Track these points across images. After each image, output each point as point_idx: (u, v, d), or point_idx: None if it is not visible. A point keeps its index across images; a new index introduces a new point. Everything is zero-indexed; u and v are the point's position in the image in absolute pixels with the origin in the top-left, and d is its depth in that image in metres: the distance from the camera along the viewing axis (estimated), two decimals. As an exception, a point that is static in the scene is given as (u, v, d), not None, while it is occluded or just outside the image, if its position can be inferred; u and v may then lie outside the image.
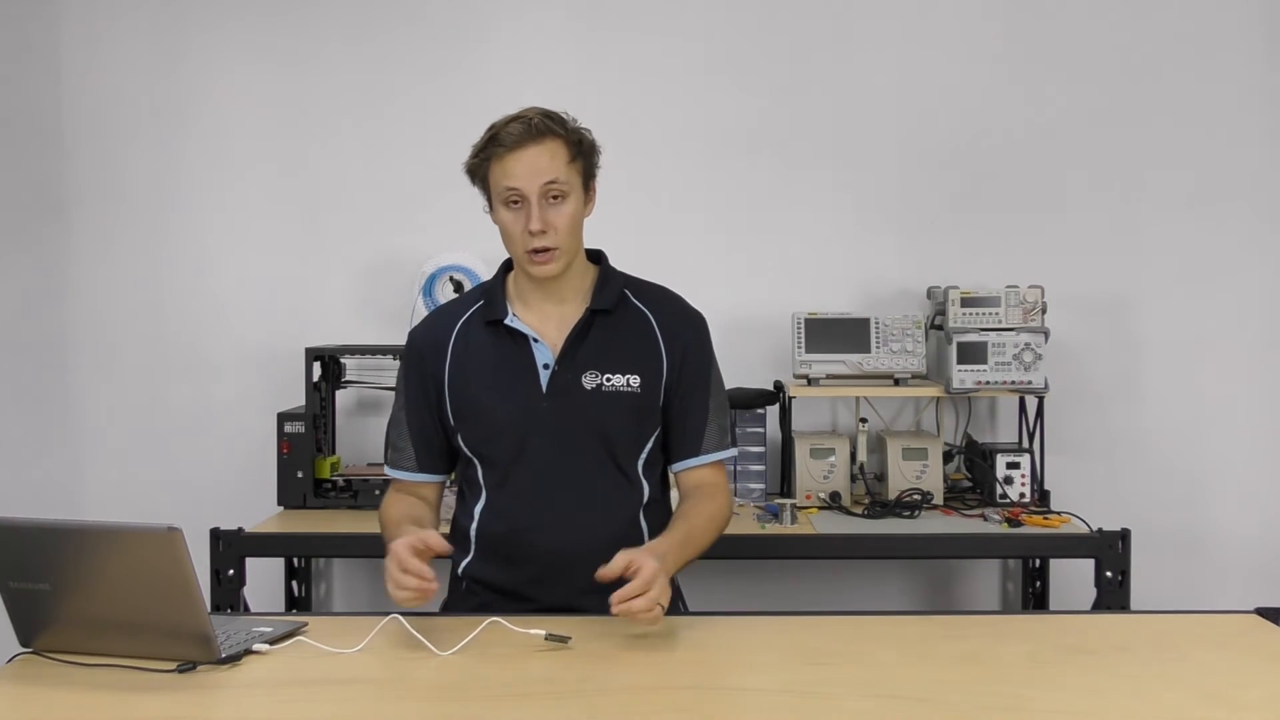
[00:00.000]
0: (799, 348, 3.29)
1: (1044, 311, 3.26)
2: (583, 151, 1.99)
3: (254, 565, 3.00)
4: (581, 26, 3.54)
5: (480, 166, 1.96)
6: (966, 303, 3.25)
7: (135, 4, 3.56)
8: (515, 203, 1.94)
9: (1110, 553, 2.86)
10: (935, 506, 3.19)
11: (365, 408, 3.53)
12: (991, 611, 3.43)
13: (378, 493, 2.03)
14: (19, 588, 1.67)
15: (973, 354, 3.21)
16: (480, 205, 2.03)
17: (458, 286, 3.27)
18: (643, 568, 1.74)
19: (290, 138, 3.57)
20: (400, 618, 1.80)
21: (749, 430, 3.34)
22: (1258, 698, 1.54)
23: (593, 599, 1.80)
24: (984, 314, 3.25)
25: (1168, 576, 3.38)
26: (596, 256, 2.11)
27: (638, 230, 3.46)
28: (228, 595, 2.89)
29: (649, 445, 2.06)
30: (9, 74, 3.58)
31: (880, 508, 3.14)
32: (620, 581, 1.76)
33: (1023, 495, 3.22)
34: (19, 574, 1.67)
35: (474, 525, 2.06)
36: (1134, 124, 3.51)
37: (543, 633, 1.75)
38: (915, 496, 3.15)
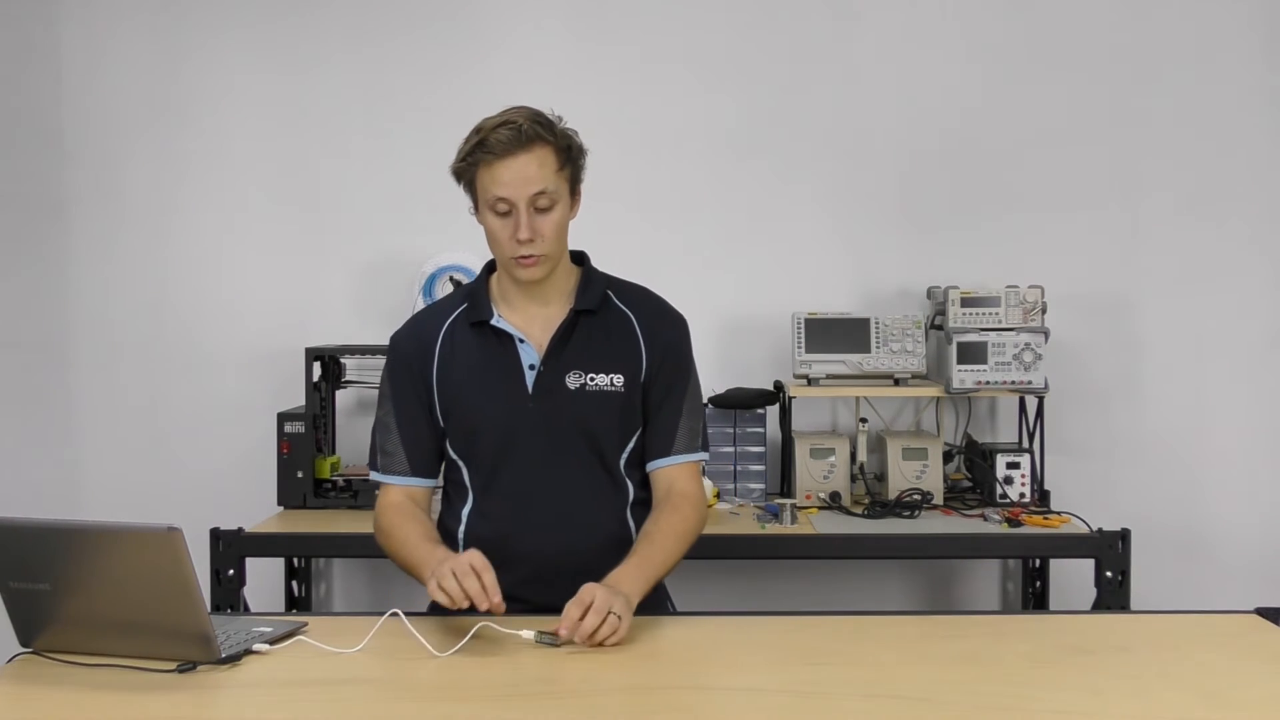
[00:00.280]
0: (799, 348, 3.28)
1: (1044, 311, 3.26)
2: (571, 157, 1.97)
3: (254, 565, 3.00)
4: (581, 27, 3.54)
5: (467, 170, 1.95)
6: (966, 303, 3.25)
7: (136, 5, 3.56)
8: (504, 211, 1.93)
9: (1110, 553, 2.86)
10: (935, 506, 3.19)
11: (365, 408, 3.53)
12: (991, 611, 3.43)
13: (378, 493, 2.03)
14: (19, 588, 1.67)
15: (973, 354, 3.21)
16: (469, 206, 2.03)
17: (458, 286, 3.27)
18: (579, 600, 1.74)
19: (290, 138, 3.57)
20: (401, 616, 1.80)
21: (749, 430, 3.34)
22: (1258, 698, 1.54)
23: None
24: (984, 314, 3.25)
25: (1168, 576, 3.38)
26: (579, 257, 2.11)
27: (638, 230, 3.47)
28: (228, 595, 2.89)
29: (631, 444, 2.06)
30: (10, 74, 3.58)
31: (880, 508, 3.14)
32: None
33: (1023, 495, 3.22)
34: (19, 574, 1.67)
35: (461, 528, 2.05)
36: (1134, 124, 3.51)
37: (532, 634, 1.75)
38: (915, 496, 3.15)
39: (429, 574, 1.81)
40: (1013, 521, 3.03)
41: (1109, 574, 2.85)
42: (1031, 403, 3.35)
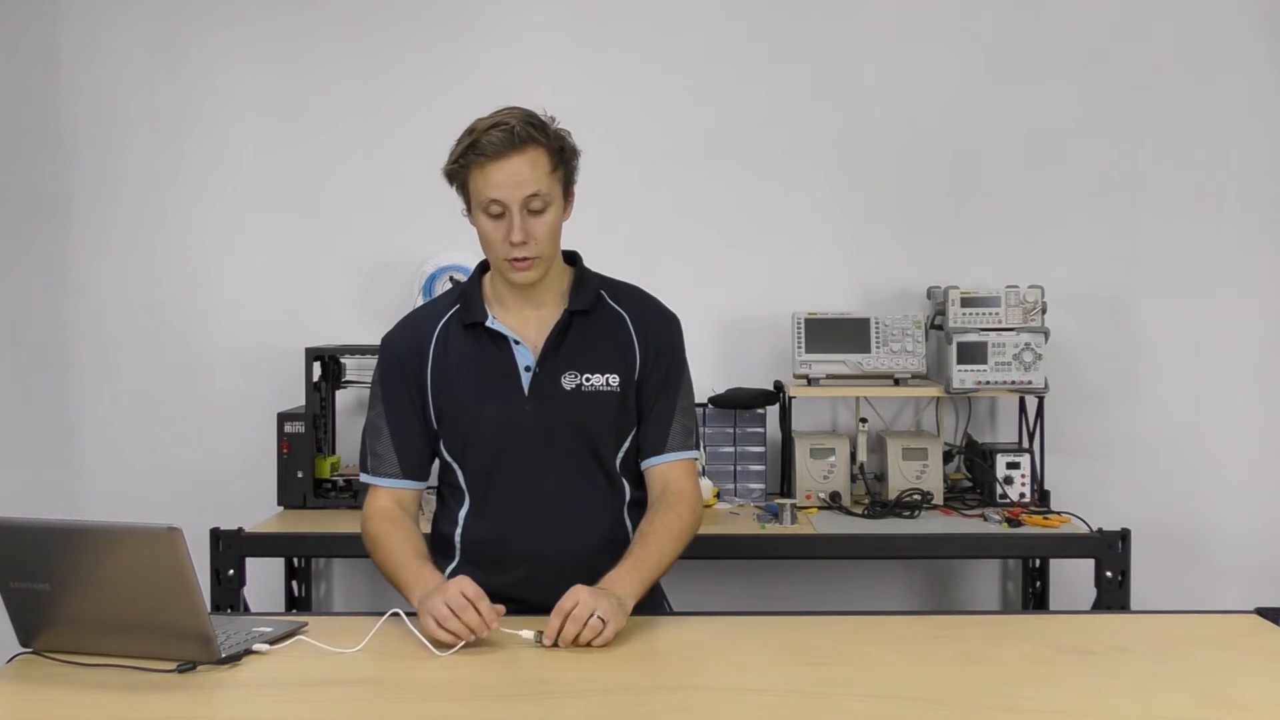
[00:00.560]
0: (799, 348, 3.28)
1: (1044, 311, 3.26)
2: (564, 159, 1.96)
3: (254, 565, 3.00)
4: (582, 27, 3.54)
5: (460, 172, 1.94)
6: (966, 303, 3.25)
7: (135, 4, 3.56)
8: (497, 214, 1.93)
9: (1110, 553, 2.86)
10: (935, 506, 3.19)
11: (365, 408, 3.51)
12: (991, 611, 3.43)
13: (366, 495, 2.04)
14: (19, 588, 1.67)
15: (973, 354, 3.21)
16: (461, 208, 2.02)
17: (449, 289, 3.27)
18: (560, 609, 1.74)
19: (290, 137, 3.57)
20: (402, 616, 1.80)
21: (749, 430, 3.34)
22: (1258, 698, 1.54)
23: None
24: (984, 314, 3.25)
25: (1168, 576, 3.38)
26: (571, 257, 2.11)
27: (638, 230, 3.47)
28: (228, 595, 2.89)
29: (627, 444, 2.06)
30: (9, 74, 3.58)
31: (880, 508, 3.14)
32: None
33: (1023, 495, 3.22)
34: (19, 574, 1.67)
35: (458, 531, 2.05)
36: (1134, 124, 3.51)
37: (532, 634, 1.75)
38: (915, 496, 3.15)
39: (418, 602, 1.80)
40: (1013, 521, 3.03)
41: (1109, 574, 2.85)
42: (1031, 403, 3.35)
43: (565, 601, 1.75)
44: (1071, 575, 3.25)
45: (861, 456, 3.30)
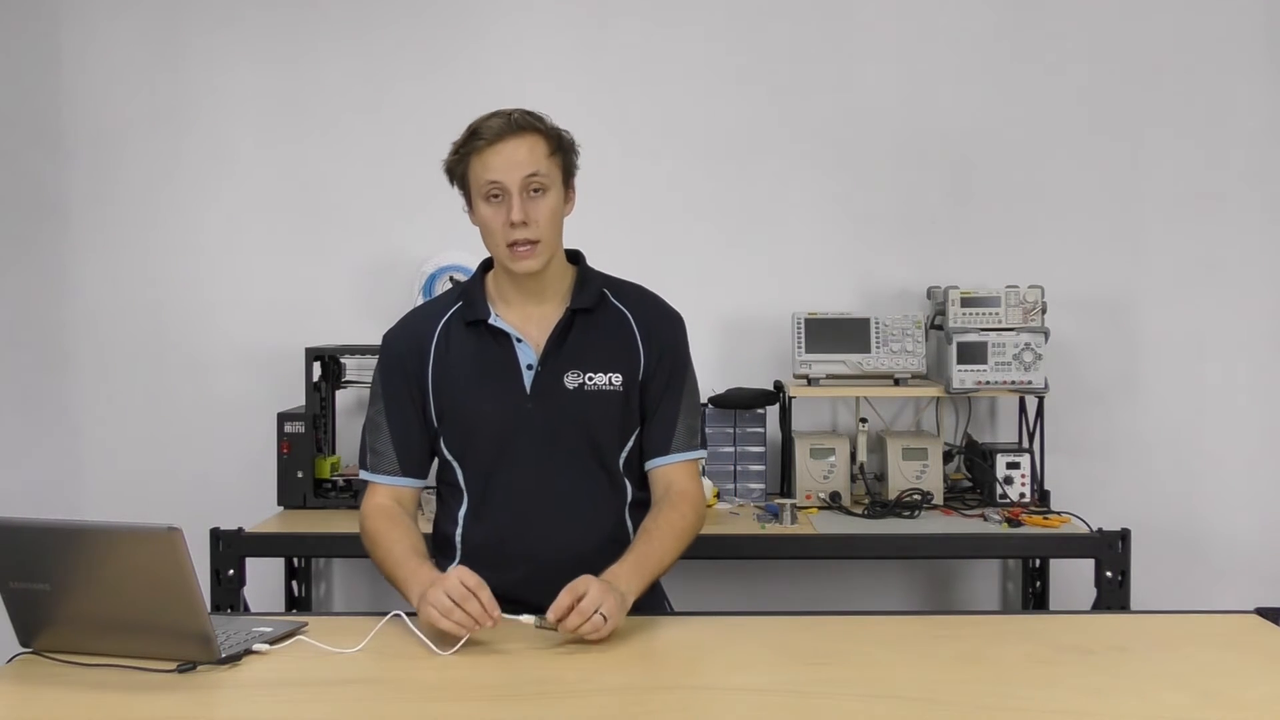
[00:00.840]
0: (799, 348, 3.29)
1: (1044, 311, 3.26)
2: (562, 147, 1.98)
3: (254, 565, 3.00)
4: (582, 28, 3.53)
5: (459, 164, 1.96)
6: (966, 303, 3.25)
7: (134, 4, 3.56)
8: (496, 196, 1.94)
9: (1110, 553, 2.86)
10: (935, 506, 3.19)
11: (365, 408, 3.52)
12: (991, 611, 3.43)
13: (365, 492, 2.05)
14: (19, 588, 1.67)
15: (973, 354, 3.21)
16: (463, 205, 2.02)
17: (451, 288, 3.27)
18: (573, 589, 1.74)
19: (290, 137, 3.57)
20: (403, 616, 1.80)
21: (749, 430, 3.34)
22: (1258, 698, 1.54)
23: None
24: (984, 314, 3.25)
25: (1168, 576, 3.38)
26: (574, 257, 2.11)
27: (638, 230, 3.47)
28: (228, 595, 2.89)
29: (630, 444, 2.05)
30: (8, 74, 3.58)
31: (880, 508, 3.14)
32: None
33: (1023, 495, 3.22)
34: (19, 574, 1.67)
35: (458, 530, 2.05)
36: (1134, 124, 3.51)
37: (532, 619, 1.75)
38: (915, 496, 3.15)
39: (418, 597, 1.79)
40: (1013, 521, 3.03)
41: (1109, 574, 2.85)
42: (1031, 403, 3.35)
43: (578, 585, 1.75)
44: (1071, 575, 3.25)
45: (861, 456, 3.30)
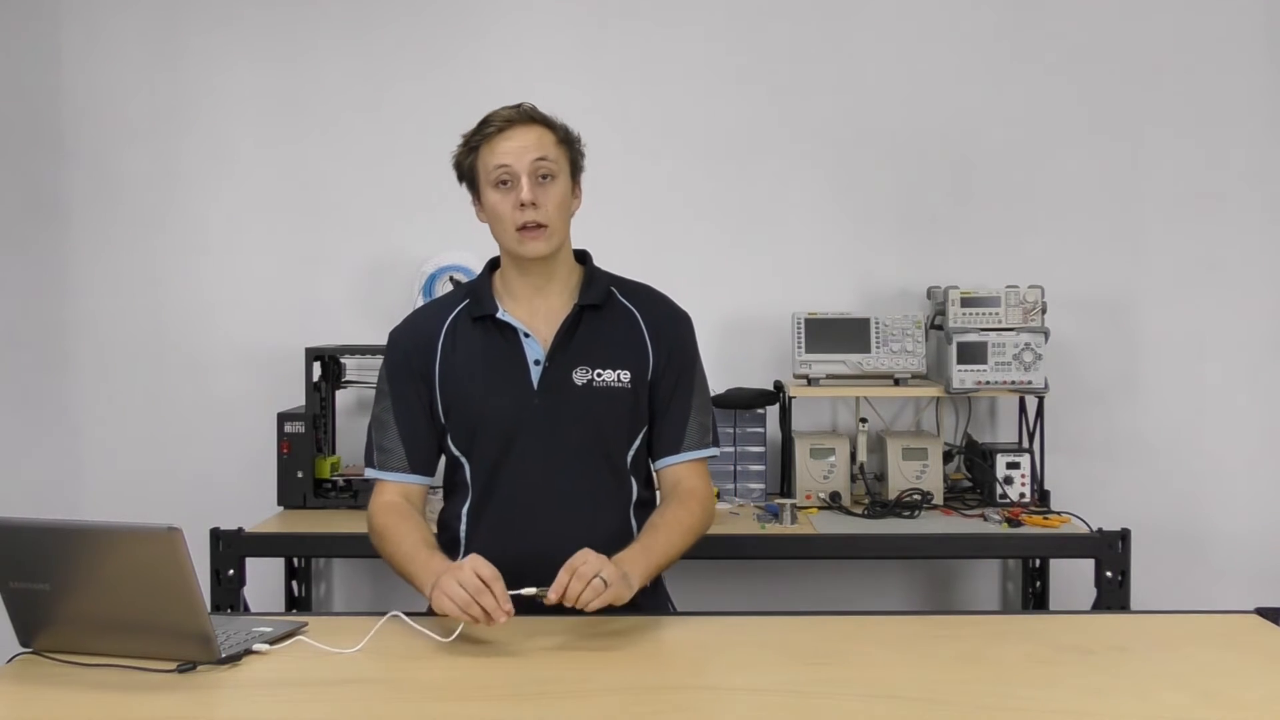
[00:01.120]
0: (799, 348, 3.28)
1: (1044, 311, 3.26)
2: (569, 140, 2.02)
3: (254, 565, 3.00)
4: (582, 28, 3.54)
5: (468, 155, 1.99)
6: (966, 303, 3.25)
7: (134, 4, 3.56)
8: (505, 183, 1.96)
9: (1110, 553, 2.86)
10: (935, 506, 3.19)
11: (365, 408, 3.52)
12: (991, 611, 3.43)
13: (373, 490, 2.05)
14: (19, 588, 1.67)
15: (973, 354, 3.21)
16: (471, 200, 2.03)
17: (458, 286, 3.27)
18: (570, 565, 1.75)
19: (290, 137, 3.57)
20: (402, 615, 1.80)
21: (749, 430, 3.34)
22: (1258, 698, 1.54)
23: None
24: (984, 314, 3.25)
25: (1168, 576, 3.38)
26: (582, 257, 2.11)
27: (638, 230, 3.47)
28: (228, 595, 2.89)
29: (637, 442, 2.05)
30: (8, 74, 3.58)
31: (880, 508, 3.14)
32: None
33: (1023, 495, 3.22)
34: (19, 574, 1.67)
35: (462, 526, 2.05)
36: (1134, 124, 3.51)
37: (534, 589, 1.75)
38: (915, 496, 3.15)
39: (430, 586, 1.79)
40: (1013, 521, 3.03)
41: (1109, 574, 2.85)
42: (1031, 403, 3.35)
43: (575, 559, 1.76)
44: (1071, 575, 3.25)
45: (861, 456, 3.30)
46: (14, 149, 3.59)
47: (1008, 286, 3.28)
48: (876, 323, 3.29)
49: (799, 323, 3.30)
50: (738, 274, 3.54)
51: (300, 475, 3.23)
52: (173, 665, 1.63)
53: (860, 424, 3.34)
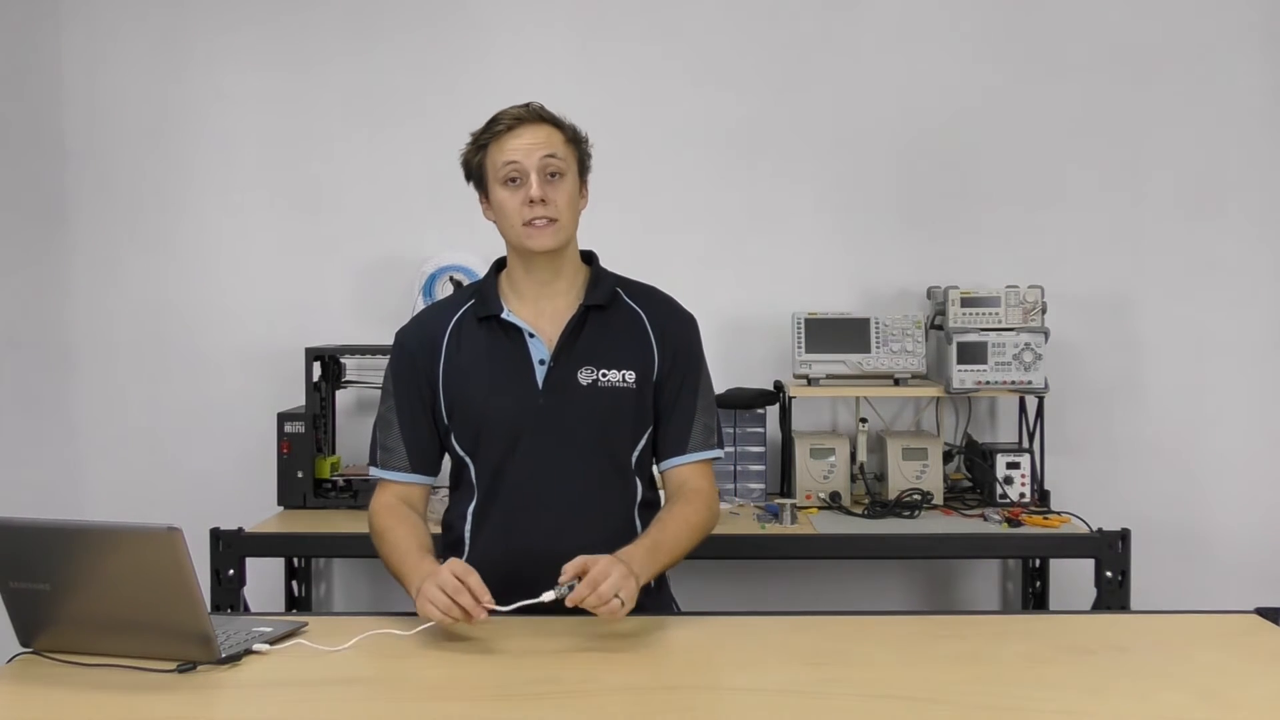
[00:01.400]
0: (799, 348, 3.29)
1: (1044, 311, 3.26)
2: (578, 139, 2.03)
3: (254, 565, 3.00)
4: (582, 28, 3.54)
5: (477, 153, 2.00)
6: (966, 303, 3.25)
7: (137, 8, 3.56)
8: (513, 180, 1.96)
9: (1110, 553, 2.86)
10: (935, 506, 3.19)
11: (365, 408, 3.53)
12: (991, 611, 3.43)
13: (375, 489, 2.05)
14: (19, 588, 1.67)
15: (973, 354, 3.21)
16: (479, 198, 2.03)
17: (458, 287, 3.27)
18: (592, 568, 1.74)
19: (291, 138, 3.57)
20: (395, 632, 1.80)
21: (749, 430, 3.34)
22: (1258, 698, 1.54)
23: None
24: (984, 314, 3.25)
25: (1168, 576, 3.38)
26: (588, 257, 2.12)
27: (638, 230, 3.47)
28: (228, 595, 2.89)
29: (642, 443, 2.06)
30: (11, 76, 3.58)
31: (880, 508, 3.14)
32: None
33: (1023, 495, 3.22)
34: (19, 574, 1.67)
35: (467, 526, 2.05)
36: (1134, 123, 3.51)
37: (552, 593, 1.75)
38: (915, 496, 3.15)
39: (415, 591, 1.80)
40: (1013, 521, 3.03)
41: (1109, 574, 2.85)
42: (1031, 403, 3.35)
43: (596, 571, 1.74)
44: (1071, 575, 3.25)
45: (861, 456, 3.30)
46: (15, 149, 3.59)
47: (1008, 286, 3.28)
48: (876, 323, 3.29)
49: (799, 323, 3.30)
50: (738, 274, 3.54)
51: (300, 475, 3.23)
52: (173, 665, 1.63)
53: (860, 424, 3.34)
